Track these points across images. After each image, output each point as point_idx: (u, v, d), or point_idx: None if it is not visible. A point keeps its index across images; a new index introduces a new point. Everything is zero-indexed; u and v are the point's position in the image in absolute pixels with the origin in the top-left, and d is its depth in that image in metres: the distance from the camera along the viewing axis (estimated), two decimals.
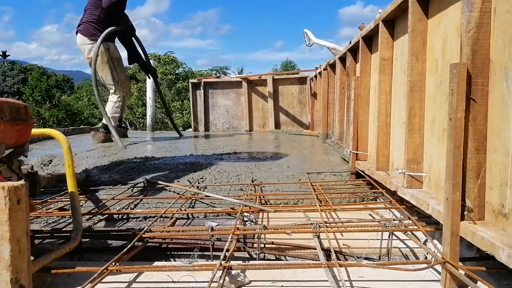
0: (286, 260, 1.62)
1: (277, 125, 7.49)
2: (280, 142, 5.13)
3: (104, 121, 4.70)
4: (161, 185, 2.59)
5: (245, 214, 1.94)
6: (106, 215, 2.11)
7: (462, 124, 1.22)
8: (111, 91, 4.65)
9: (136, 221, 2.15)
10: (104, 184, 2.73)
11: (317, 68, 6.20)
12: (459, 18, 1.34)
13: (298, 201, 2.32)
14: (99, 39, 4.29)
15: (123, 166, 3.10)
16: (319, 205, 2.02)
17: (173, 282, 1.30)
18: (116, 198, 2.36)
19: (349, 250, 1.59)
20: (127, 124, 16.90)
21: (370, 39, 2.71)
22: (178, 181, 2.71)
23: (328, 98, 4.66)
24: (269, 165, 3.12)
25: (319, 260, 1.35)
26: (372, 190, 2.36)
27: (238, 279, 1.25)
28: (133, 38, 4.84)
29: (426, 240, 1.61)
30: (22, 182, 0.86)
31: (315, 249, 1.50)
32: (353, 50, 3.25)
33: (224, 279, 1.21)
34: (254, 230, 1.65)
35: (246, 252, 1.65)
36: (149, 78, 5.22)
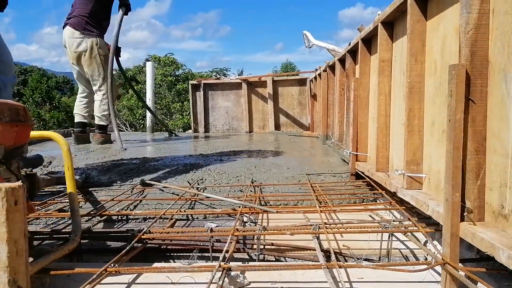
0: (286, 261, 1.62)
1: (277, 126, 7.49)
2: (280, 143, 5.13)
3: (96, 121, 4.66)
4: (161, 186, 2.59)
5: (245, 215, 1.93)
6: (106, 216, 2.11)
7: (461, 125, 1.22)
8: (95, 87, 4.54)
9: (135, 222, 2.15)
10: (104, 185, 2.73)
11: (316, 70, 6.20)
12: (457, 19, 1.34)
13: (298, 202, 2.32)
14: (114, 37, 4.34)
15: (123, 168, 3.10)
16: (319, 206, 2.01)
17: (172, 283, 1.30)
18: (116, 199, 2.36)
19: (349, 251, 1.59)
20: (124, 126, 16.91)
21: (369, 41, 2.71)
22: (178, 182, 2.71)
23: (327, 100, 4.66)
24: (269, 166, 3.12)
25: (319, 261, 1.34)
26: (372, 191, 2.36)
27: (238, 280, 1.25)
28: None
29: (426, 241, 1.61)
30: (19, 183, 0.86)
31: (315, 250, 1.50)
32: (353, 52, 3.25)
33: (223, 281, 1.20)
34: (254, 231, 1.65)
35: (245, 253, 1.64)
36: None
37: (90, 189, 2.64)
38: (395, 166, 2.12)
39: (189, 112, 9.63)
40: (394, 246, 1.65)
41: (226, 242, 1.50)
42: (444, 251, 1.25)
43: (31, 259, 1.22)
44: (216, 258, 1.55)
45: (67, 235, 1.71)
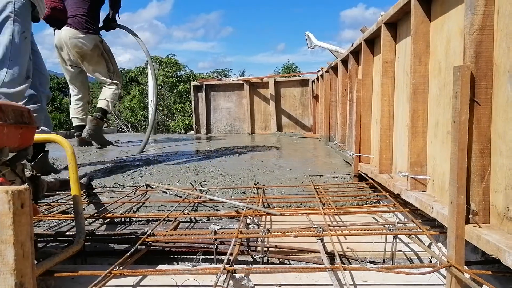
0: (290, 264, 1.61)
1: (279, 127, 7.49)
2: (282, 145, 5.13)
3: (102, 104, 4.43)
4: (163, 188, 2.59)
5: (248, 217, 1.93)
6: (109, 219, 2.11)
7: (466, 127, 1.22)
8: (107, 83, 4.48)
9: (138, 224, 2.15)
10: (107, 188, 2.73)
11: (319, 71, 6.20)
12: (462, 20, 1.34)
13: (301, 204, 2.32)
14: (136, 36, 4.40)
15: (126, 169, 3.10)
16: (322, 208, 2.01)
17: (177, 286, 1.30)
18: (119, 202, 2.36)
19: (353, 254, 1.59)
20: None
21: (372, 42, 2.71)
22: (181, 184, 2.71)
23: (330, 101, 4.66)
24: (272, 168, 3.12)
25: (323, 264, 1.34)
26: (376, 193, 2.35)
27: (242, 283, 1.25)
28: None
29: (430, 244, 1.60)
30: (25, 186, 0.86)
31: (319, 252, 1.50)
32: (355, 53, 3.25)
33: (228, 283, 1.20)
34: (258, 233, 1.64)
35: (249, 256, 1.64)
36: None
37: (93, 191, 2.64)
38: (398, 168, 2.12)
39: (191, 113, 9.63)
40: (398, 248, 1.64)
41: (230, 245, 1.49)
42: (449, 254, 1.25)
43: (35, 262, 1.23)
44: (220, 261, 1.55)
45: (71, 238, 1.71)
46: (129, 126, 17.50)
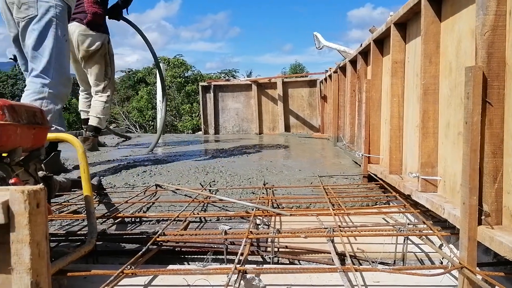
0: (300, 264, 1.61)
1: (287, 128, 7.48)
2: (290, 145, 5.13)
3: (94, 122, 4.33)
4: (173, 189, 2.61)
5: (258, 217, 1.94)
6: (120, 218, 2.13)
7: (479, 127, 1.21)
8: (99, 87, 4.32)
9: (149, 224, 2.16)
10: (117, 188, 2.75)
11: (326, 71, 6.19)
12: (473, 21, 1.33)
13: (310, 204, 2.32)
14: (140, 32, 4.36)
15: (135, 170, 3.12)
16: (332, 209, 2.01)
17: (188, 285, 1.31)
18: (129, 202, 2.38)
19: (363, 255, 1.58)
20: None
21: (381, 42, 2.70)
22: (190, 184, 2.72)
23: (338, 101, 4.65)
24: (280, 168, 3.12)
25: (334, 265, 1.34)
26: (385, 194, 2.35)
27: (253, 283, 1.25)
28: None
29: (441, 245, 1.59)
30: (41, 186, 0.87)
31: (329, 253, 1.50)
32: (364, 53, 3.24)
33: (239, 283, 1.21)
34: (268, 234, 1.65)
35: (259, 256, 1.65)
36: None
37: (104, 191, 2.66)
38: (408, 169, 2.11)
39: (199, 114, 9.67)
40: (409, 249, 1.63)
41: (240, 245, 1.50)
42: (461, 255, 1.24)
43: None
44: (230, 261, 1.56)
45: (83, 237, 1.73)
46: (137, 127, 17.60)
